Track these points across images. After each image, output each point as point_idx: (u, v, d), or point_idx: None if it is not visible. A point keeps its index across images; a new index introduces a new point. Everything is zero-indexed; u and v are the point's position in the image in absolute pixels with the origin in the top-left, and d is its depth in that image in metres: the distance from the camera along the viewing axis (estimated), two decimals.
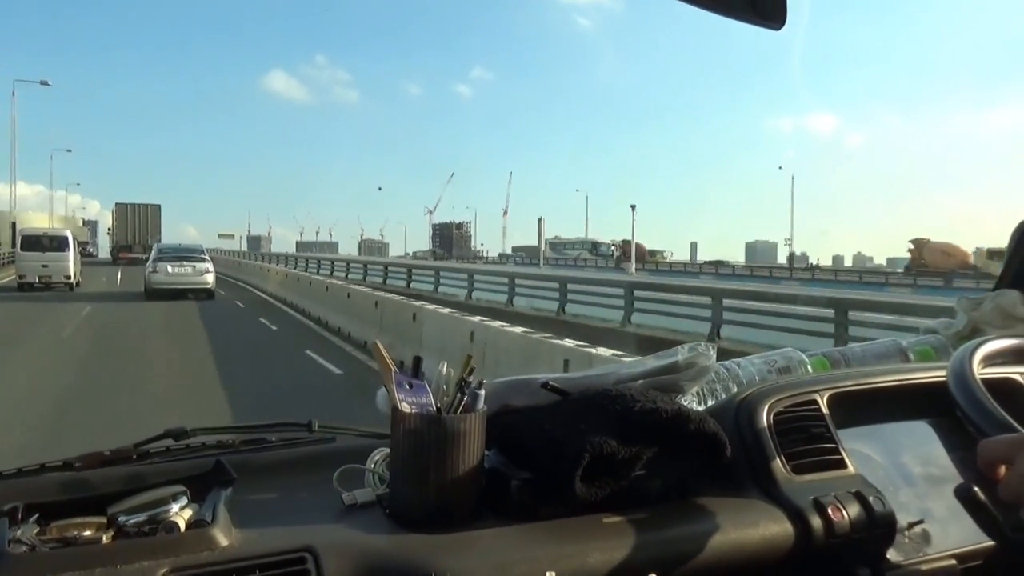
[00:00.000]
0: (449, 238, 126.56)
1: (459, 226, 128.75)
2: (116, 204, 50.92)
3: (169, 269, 20.08)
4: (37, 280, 22.19)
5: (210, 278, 20.47)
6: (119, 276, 29.49)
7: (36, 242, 22.98)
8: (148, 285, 20.13)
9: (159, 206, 52.12)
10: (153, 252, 21.75)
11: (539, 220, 52.62)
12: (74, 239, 24.31)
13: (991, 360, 0.87)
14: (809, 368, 1.18)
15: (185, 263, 20.42)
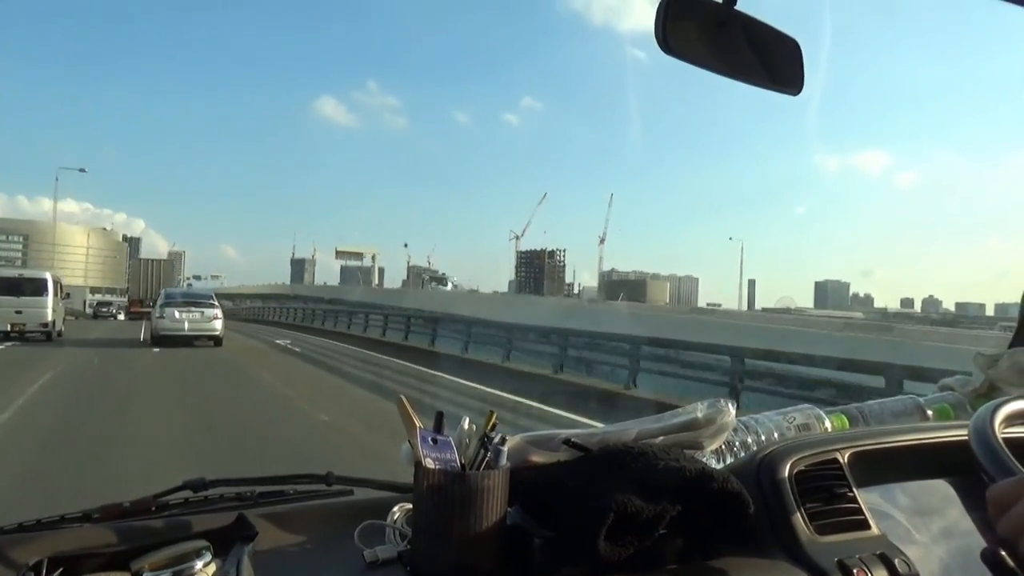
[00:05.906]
0: (540, 268, 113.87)
1: (551, 254, 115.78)
2: (133, 260, 51.31)
3: (176, 315, 19.41)
4: (9, 328, 19.84)
5: (218, 324, 19.75)
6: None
7: (9, 285, 20.38)
8: (154, 331, 19.55)
9: (172, 262, 52.57)
10: (160, 297, 20.90)
11: None
12: (55, 283, 21.66)
13: (1013, 420, 0.87)
14: (828, 425, 1.18)
15: (193, 309, 19.75)
